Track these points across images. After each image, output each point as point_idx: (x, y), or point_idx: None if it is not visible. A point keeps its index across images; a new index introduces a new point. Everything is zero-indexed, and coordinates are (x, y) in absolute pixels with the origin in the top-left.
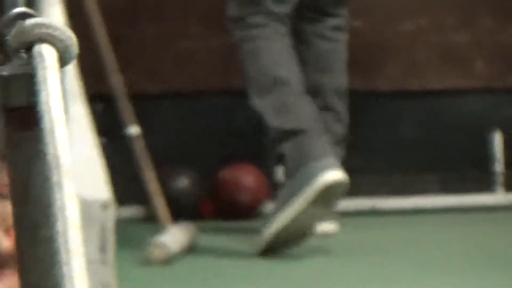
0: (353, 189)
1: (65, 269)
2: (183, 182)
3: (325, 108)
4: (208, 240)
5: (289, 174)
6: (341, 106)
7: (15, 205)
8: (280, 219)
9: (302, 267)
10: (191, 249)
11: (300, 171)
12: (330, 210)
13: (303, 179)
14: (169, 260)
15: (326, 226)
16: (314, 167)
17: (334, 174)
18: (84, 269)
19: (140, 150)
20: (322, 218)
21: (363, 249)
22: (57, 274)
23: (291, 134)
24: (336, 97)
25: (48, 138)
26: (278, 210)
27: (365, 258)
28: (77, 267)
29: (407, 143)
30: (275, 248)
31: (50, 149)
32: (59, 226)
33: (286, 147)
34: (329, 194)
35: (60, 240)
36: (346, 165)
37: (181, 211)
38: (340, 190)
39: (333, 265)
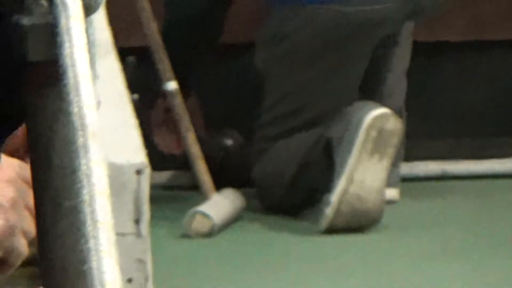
0: (422, 153)
1: (91, 243)
2: (227, 144)
3: None
4: (256, 210)
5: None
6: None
7: (35, 172)
8: (340, 182)
9: (358, 241)
10: (236, 220)
11: (348, 129)
12: (389, 161)
13: (351, 133)
14: (211, 232)
15: (388, 192)
16: (358, 115)
17: (381, 110)
18: (112, 243)
19: (179, 109)
20: (383, 177)
21: (430, 218)
22: (83, 249)
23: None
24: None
25: (72, 96)
26: (335, 177)
27: (431, 229)
28: (105, 241)
29: (479, 104)
30: (340, 222)
31: (74, 108)
32: (84, 194)
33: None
34: (380, 135)
35: (86, 210)
36: (414, 129)
37: (226, 177)
38: (391, 128)
39: (395, 237)
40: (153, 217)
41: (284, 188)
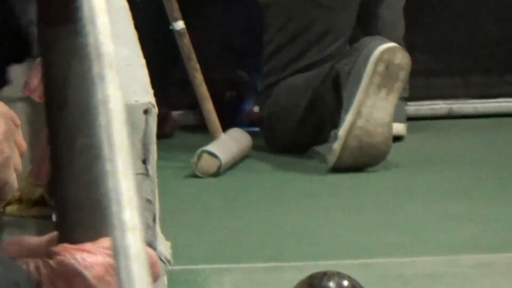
0: (429, 91)
1: (108, 166)
2: (235, 85)
3: None
4: (264, 149)
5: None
6: None
7: (49, 109)
8: (347, 116)
9: (367, 178)
10: (243, 160)
11: (355, 64)
12: (396, 96)
13: (358, 67)
14: (218, 172)
15: (395, 126)
16: (366, 49)
17: (389, 44)
18: (129, 166)
19: (186, 49)
20: (390, 111)
21: (438, 156)
22: (100, 171)
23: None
24: None
25: (88, 28)
26: (343, 112)
27: (439, 167)
28: (121, 164)
29: (488, 41)
30: (348, 157)
31: (90, 39)
32: (101, 119)
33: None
34: (388, 69)
35: (103, 134)
36: (422, 66)
37: (233, 117)
38: (398, 62)
39: (403, 174)
40: (160, 157)
41: (294, 124)
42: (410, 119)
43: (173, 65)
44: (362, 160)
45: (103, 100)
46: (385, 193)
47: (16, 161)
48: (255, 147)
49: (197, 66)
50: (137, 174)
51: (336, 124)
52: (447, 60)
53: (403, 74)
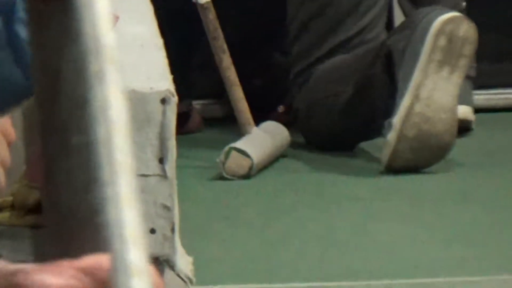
0: (502, 78)
1: (108, 190)
2: (271, 71)
3: None
4: (303, 147)
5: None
6: None
7: (40, 104)
8: (403, 101)
9: (424, 179)
10: (279, 159)
11: (411, 38)
12: (461, 75)
13: (415, 42)
14: (250, 173)
15: (461, 109)
16: (423, 21)
17: (452, 14)
18: (134, 189)
19: (212, 26)
20: (454, 93)
21: (507, 155)
22: (97, 196)
23: None
24: None
25: (83, 11)
26: (398, 97)
27: (508, 168)
28: (124, 187)
29: None
30: (405, 150)
31: (86, 27)
32: (100, 131)
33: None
34: (451, 42)
35: (102, 150)
36: (489, 48)
37: (268, 108)
38: (463, 35)
39: (468, 176)
40: (180, 155)
41: (338, 115)
42: (478, 110)
43: (195, 46)
44: (422, 154)
45: (102, 105)
46: (447, 199)
47: (2, 153)
48: (293, 144)
49: (225, 46)
50: (153, 175)
51: (390, 113)
52: None
53: (469, 49)
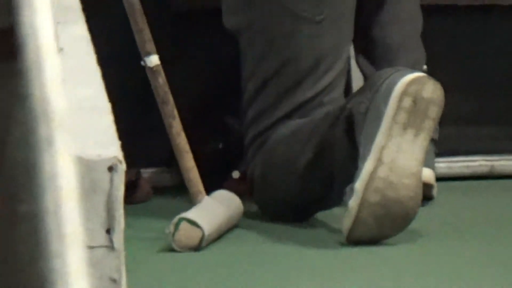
0: (464, 144)
1: (56, 263)
2: (225, 135)
3: None
4: (257, 216)
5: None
6: None
7: None
8: (366, 165)
9: (386, 250)
10: (232, 229)
11: (373, 100)
12: (427, 138)
13: (378, 104)
14: (201, 245)
15: (423, 172)
16: (386, 82)
17: (416, 74)
18: (84, 262)
19: (161, 90)
20: (419, 157)
21: (472, 225)
22: (44, 270)
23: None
24: None
25: (32, 74)
26: (360, 161)
27: (474, 240)
28: (74, 260)
29: None
30: (369, 222)
31: (35, 90)
32: (48, 200)
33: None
34: (416, 104)
35: (50, 220)
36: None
37: (222, 175)
38: (429, 96)
39: (430, 248)
40: (128, 225)
41: (295, 182)
42: (440, 179)
43: (144, 111)
44: (385, 222)
45: (51, 172)
46: (407, 271)
47: None
48: (246, 214)
49: (175, 112)
50: (100, 246)
51: (349, 179)
52: (485, 104)
53: (435, 111)
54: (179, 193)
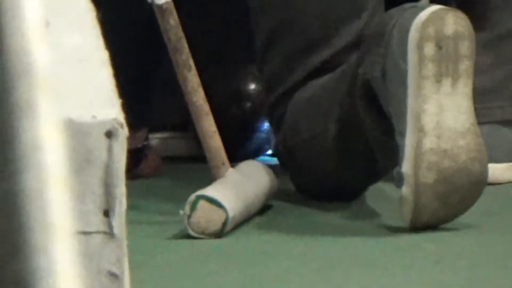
0: None
1: (40, 258)
2: (247, 96)
3: None
4: (296, 194)
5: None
6: None
7: None
8: (406, 141)
9: (434, 241)
10: (263, 211)
11: (387, 57)
12: (469, 83)
13: (394, 60)
14: (223, 230)
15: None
16: (398, 29)
17: (430, 9)
18: (76, 253)
19: (173, 35)
20: (468, 108)
21: None
22: (24, 268)
23: None
24: None
25: (8, 17)
26: (397, 136)
27: None
28: (63, 252)
29: None
30: (433, 205)
31: (12, 38)
32: (26, 178)
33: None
34: (441, 45)
35: (32, 203)
36: None
37: (247, 143)
38: (454, 31)
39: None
40: (132, 206)
41: (330, 158)
42: None
43: (152, 61)
44: (452, 198)
45: (31, 142)
46: (483, 261)
47: None
48: (281, 192)
49: (190, 62)
50: (96, 232)
51: (392, 153)
52: None
53: (466, 47)
54: (197, 165)
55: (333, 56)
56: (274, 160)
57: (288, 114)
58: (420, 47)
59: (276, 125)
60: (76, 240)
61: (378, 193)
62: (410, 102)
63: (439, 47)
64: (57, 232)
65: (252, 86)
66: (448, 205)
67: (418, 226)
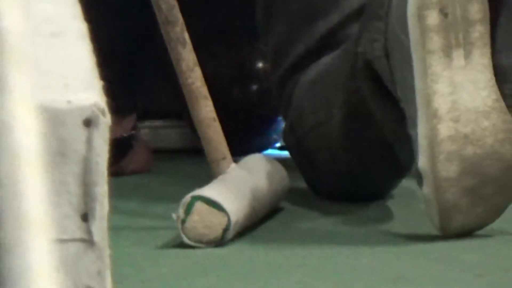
0: None
1: (13, 259)
2: (253, 78)
3: None
4: (309, 196)
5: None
6: None
7: None
8: (419, 131)
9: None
10: (273, 215)
11: (388, 32)
12: (485, 52)
13: (396, 34)
14: (224, 237)
15: None
16: (395, 3)
17: None
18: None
19: (166, 4)
20: (487, 81)
21: None
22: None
23: None
24: None
25: None
26: (410, 124)
27: None
28: (35, 263)
29: None
30: (463, 203)
31: None
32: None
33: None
34: (446, 13)
35: (2, 197)
36: None
37: (253, 134)
38: None
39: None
40: (116, 209)
41: (338, 151)
42: None
43: (141, 37)
44: (485, 192)
45: (3, 128)
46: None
47: None
48: (293, 191)
49: (185, 36)
50: (72, 240)
51: (411, 144)
52: None
53: (477, 9)
54: (193, 160)
55: (341, 23)
56: (285, 154)
57: (294, 97)
58: (421, 16)
59: (284, 109)
60: (50, 248)
61: (410, 193)
62: (418, 83)
63: (444, 14)
64: (27, 238)
65: (259, 65)
66: (482, 201)
67: (452, 232)
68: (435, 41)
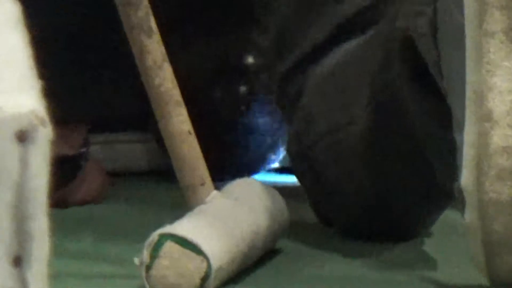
0: None
1: None
2: (240, 75)
3: None
4: (317, 230)
5: None
6: None
7: None
8: (466, 141)
9: None
10: (271, 257)
11: (438, 9)
12: None
13: (449, 9)
14: None
15: None
16: None
17: None
18: None
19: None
20: None
21: None
22: None
23: None
24: None
25: None
26: (455, 128)
27: None
28: None
29: None
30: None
31: None
32: None
33: None
34: None
35: None
36: None
37: (240, 150)
38: None
39: None
40: (61, 251)
41: (359, 168)
42: None
43: (94, 24)
44: None
45: None
46: None
47: None
48: (296, 224)
49: (151, 22)
50: None
51: (451, 160)
52: None
53: None
54: (162, 185)
55: (373, 4)
56: (285, 178)
57: (302, 95)
58: None
59: (288, 112)
60: None
61: (450, 229)
62: (469, 75)
63: None
64: None
65: (249, 60)
66: None
67: (502, 276)
68: (497, 20)
